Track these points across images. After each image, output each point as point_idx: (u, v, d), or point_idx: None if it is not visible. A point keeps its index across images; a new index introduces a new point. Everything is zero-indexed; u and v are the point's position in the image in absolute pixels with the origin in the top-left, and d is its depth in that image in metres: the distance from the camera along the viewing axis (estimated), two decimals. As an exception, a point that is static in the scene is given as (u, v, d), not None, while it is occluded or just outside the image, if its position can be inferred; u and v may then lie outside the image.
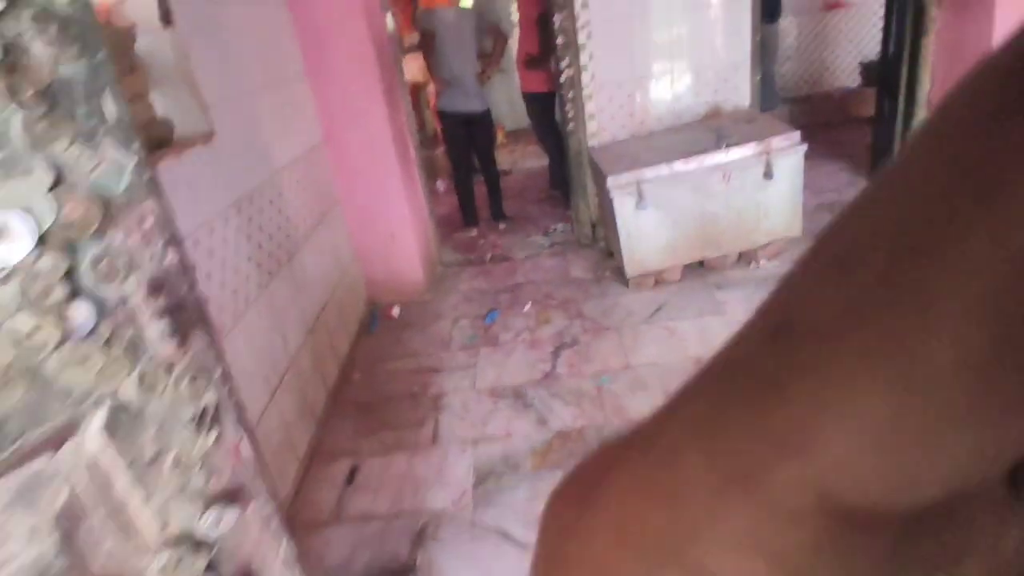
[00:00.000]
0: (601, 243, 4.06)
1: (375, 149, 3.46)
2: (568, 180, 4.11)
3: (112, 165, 0.78)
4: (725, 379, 0.17)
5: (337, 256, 3.36)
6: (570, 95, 3.74)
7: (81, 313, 0.73)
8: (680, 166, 3.18)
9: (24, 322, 0.69)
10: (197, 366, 0.90)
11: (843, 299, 0.15)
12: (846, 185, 4.48)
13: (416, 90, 6.47)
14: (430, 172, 6.16)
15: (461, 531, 2.04)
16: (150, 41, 1.93)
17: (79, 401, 0.75)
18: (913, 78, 3.87)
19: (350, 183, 3.53)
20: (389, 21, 3.63)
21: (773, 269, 3.44)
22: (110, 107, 0.79)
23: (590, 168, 3.85)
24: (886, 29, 4.15)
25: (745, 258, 3.53)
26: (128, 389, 0.80)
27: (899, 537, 0.15)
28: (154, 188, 0.86)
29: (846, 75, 6.60)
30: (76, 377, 0.74)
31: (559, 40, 3.62)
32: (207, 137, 2.09)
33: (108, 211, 0.77)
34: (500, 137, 6.68)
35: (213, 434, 0.92)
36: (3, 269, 0.67)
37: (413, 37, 5.92)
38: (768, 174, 3.21)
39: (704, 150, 3.22)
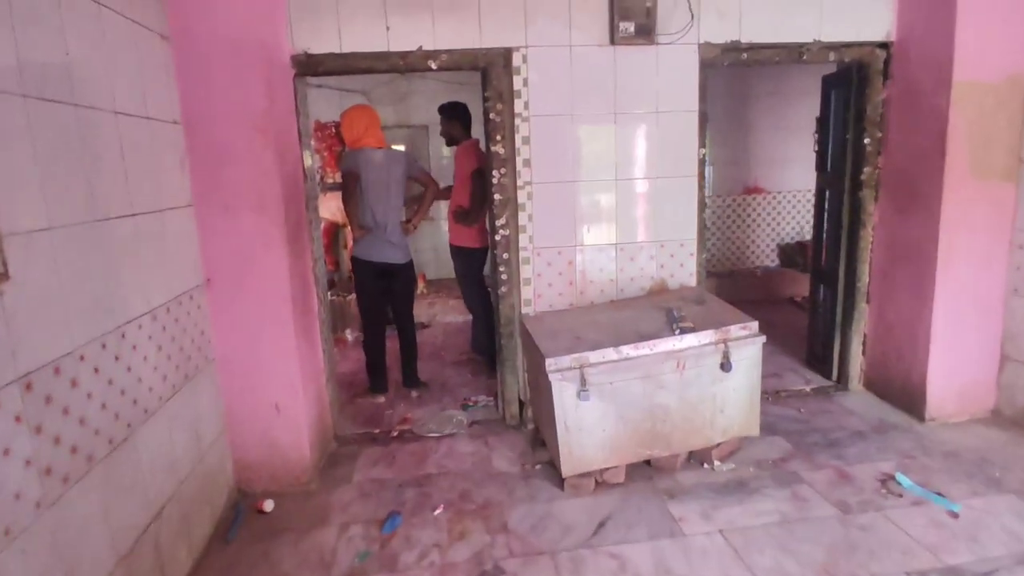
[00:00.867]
0: (530, 425, 3.48)
1: (268, 298, 2.83)
2: (494, 348, 3.60)
3: None
4: None
5: (197, 432, 2.57)
6: (504, 256, 3.33)
7: None
8: (629, 350, 2.74)
9: None
10: None
11: None
12: (786, 370, 4.23)
13: (333, 229, 6.00)
14: (340, 319, 5.53)
15: None
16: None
17: None
18: (851, 270, 3.78)
19: (232, 337, 2.84)
20: (307, 156, 3.18)
21: (728, 472, 2.95)
22: None
23: (522, 340, 3.37)
24: (817, 217, 4.14)
25: (696, 458, 3.03)
26: None
27: None
28: None
29: (765, 255, 6.77)
30: None
31: (496, 197, 3.28)
32: (-13, 286, 1.42)
33: None
34: (421, 286, 6.22)
35: None
36: None
37: (337, 176, 5.56)
38: (726, 365, 2.81)
39: (655, 334, 2.82)
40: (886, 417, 3.49)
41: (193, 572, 2.37)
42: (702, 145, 3.37)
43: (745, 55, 3.31)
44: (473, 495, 2.85)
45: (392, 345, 4.13)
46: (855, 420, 3.48)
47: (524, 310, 3.37)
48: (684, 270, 3.47)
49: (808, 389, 3.90)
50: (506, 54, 3.15)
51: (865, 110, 3.53)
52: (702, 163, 3.39)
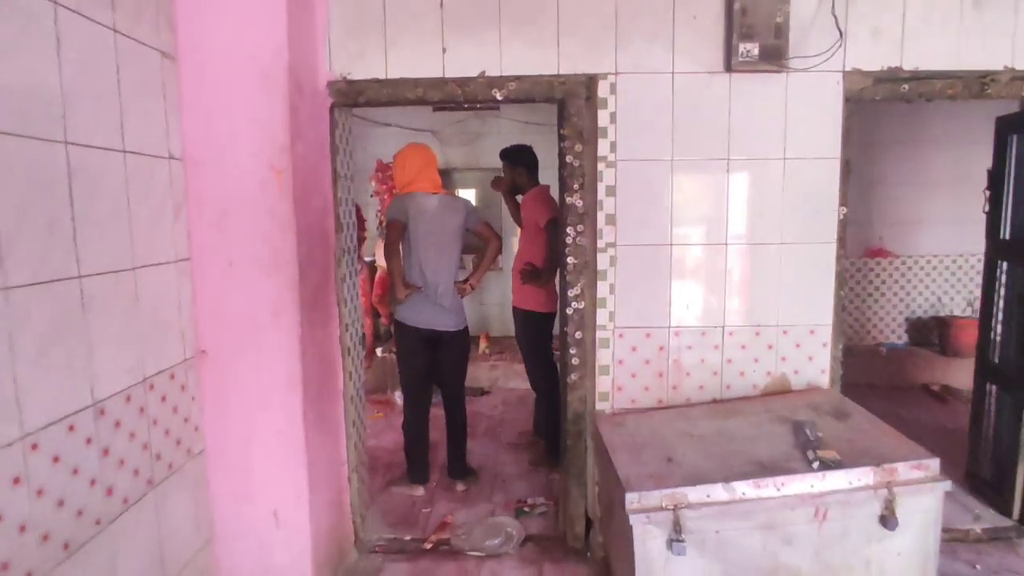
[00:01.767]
0: (599, 553, 2.69)
1: (271, 378, 2.25)
2: (558, 436, 2.87)
3: None
4: None
5: (162, 556, 1.98)
6: (577, 335, 2.62)
7: None
8: (746, 488, 1.94)
9: None
10: None
11: None
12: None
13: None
14: (391, 378, 4.95)
15: None
16: None
17: None
18: (1041, 373, 2.80)
19: (226, 426, 2.26)
20: (344, 201, 2.64)
21: (882, 667, 2.04)
22: None
23: (594, 445, 2.62)
24: (987, 295, 3.17)
25: (834, 639, 2.14)
26: None
27: None
28: None
29: (890, 329, 5.69)
30: None
31: (570, 260, 2.59)
32: None
33: None
34: (483, 346, 5.57)
35: None
36: None
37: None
38: (889, 520, 1.95)
39: (781, 464, 2.00)
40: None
41: None
42: (843, 203, 2.56)
43: (906, 87, 2.51)
44: (516, 669, 2.10)
45: (438, 417, 3.45)
46: (1061, 591, 2.47)
47: (599, 405, 2.63)
48: (813, 365, 2.63)
49: (979, 530, 2.89)
50: (589, 83, 2.50)
51: (1072, 162, 2.63)
52: (843, 225, 2.57)
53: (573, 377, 2.66)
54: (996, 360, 3.10)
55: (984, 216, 3.19)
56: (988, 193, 3.16)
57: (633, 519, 1.91)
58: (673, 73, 2.48)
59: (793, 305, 2.59)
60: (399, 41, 2.49)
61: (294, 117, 2.20)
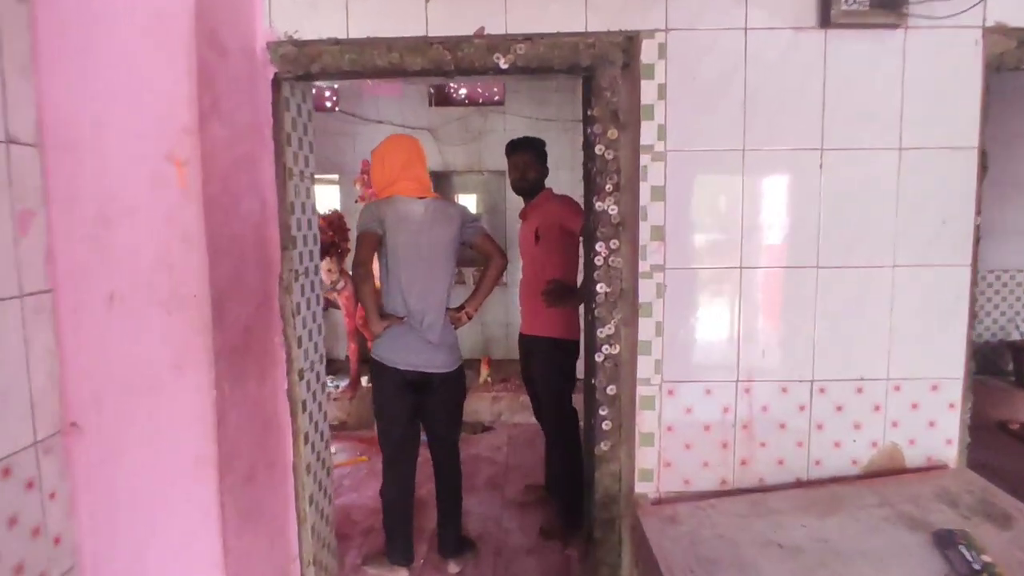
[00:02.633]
0: None
1: (178, 458, 1.55)
2: (578, 511, 2.16)
3: None
4: None
5: None
6: (609, 390, 1.92)
7: None
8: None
9: None
10: None
11: None
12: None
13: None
14: (368, 415, 4.23)
15: None
16: None
17: None
18: None
19: (107, 529, 1.57)
20: (295, 206, 1.95)
21: None
22: None
23: (634, 545, 1.91)
24: None
25: None
26: None
27: None
28: None
29: (951, 356, 4.95)
30: None
31: (600, 289, 1.89)
32: None
33: None
34: (484, 374, 4.86)
35: None
36: None
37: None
38: None
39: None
40: None
41: None
42: (978, 211, 1.86)
43: (1069, 50, 1.80)
44: None
45: (426, 459, 2.74)
46: None
47: (639, 487, 1.91)
48: (936, 433, 1.91)
49: None
50: (629, 44, 1.81)
51: None
52: (976, 240, 1.87)
53: (603, 447, 1.95)
54: None
55: None
56: None
57: None
58: (746, 29, 1.78)
59: (909, 351, 1.87)
60: (366, -15, 1.80)
61: (206, 86, 1.52)
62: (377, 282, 2.60)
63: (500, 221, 5.44)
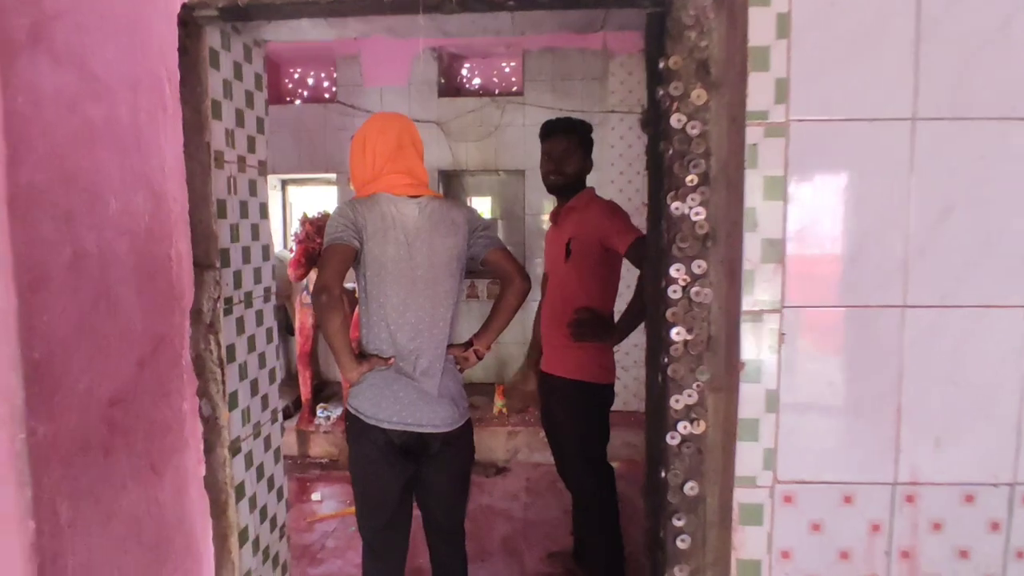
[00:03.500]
0: None
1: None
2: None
3: None
4: None
5: None
6: (689, 489, 1.25)
7: None
8: None
9: None
10: None
11: None
12: None
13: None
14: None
15: None
16: None
17: None
18: None
19: None
20: (227, 205, 1.32)
21: None
22: None
23: None
24: None
25: None
26: None
27: None
28: None
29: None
30: None
31: (676, 334, 1.22)
32: None
33: None
34: (498, 403, 4.20)
35: None
36: None
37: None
38: None
39: None
40: None
41: None
42: None
43: None
44: None
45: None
46: None
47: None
48: None
49: None
50: (728, -47, 1.15)
51: None
52: None
53: (681, 543, 1.28)
54: None
55: None
56: None
57: None
58: (921, -77, 1.11)
59: None
60: None
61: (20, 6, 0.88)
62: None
63: (518, 230, 4.79)
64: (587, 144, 2.25)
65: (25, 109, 0.88)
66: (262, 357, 1.54)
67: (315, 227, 3.69)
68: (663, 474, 1.28)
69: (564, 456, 2.38)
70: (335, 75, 4.82)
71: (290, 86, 5.10)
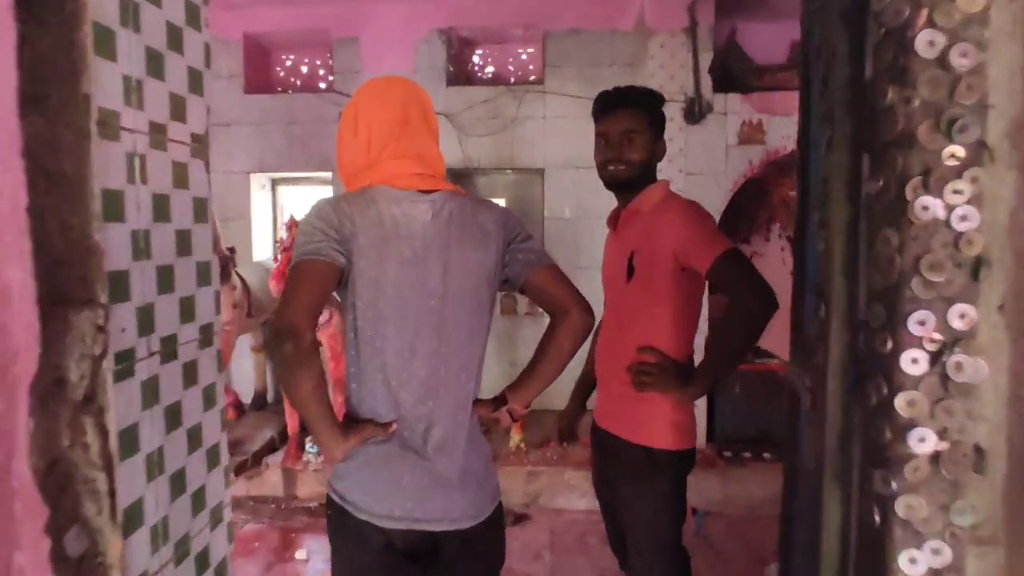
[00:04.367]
0: None
1: None
2: None
3: None
4: None
5: None
6: None
7: None
8: None
9: None
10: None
11: None
12: None
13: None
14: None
15: None
16: None
17: None
18: None
19: None
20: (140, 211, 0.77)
21: None
22: None
23: None
24: None
25: None
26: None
27: None
28: None
29: None
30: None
31: (921, 444, 0.67)
32: None
33: None
34: (515, 438, 3.64)
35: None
36: None
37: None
38: None
39: None
40: None
41: None
42: None
43: None
44: None
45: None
46: None
47: None
48: None
49: None
50: None
51: None
52: None
53: None
54: None
55: None
56: None
57: None
58: None
59: None
60: None
61: None
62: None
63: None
64: (659, 122, 1.70)
65: None
66: (196, 432, 1.00)
67: (304, 233, 3.15)
68: None
69: (626, 538, 1.81)
70: (331, 62, 4.29)
71: (282, 74, 4.57)
